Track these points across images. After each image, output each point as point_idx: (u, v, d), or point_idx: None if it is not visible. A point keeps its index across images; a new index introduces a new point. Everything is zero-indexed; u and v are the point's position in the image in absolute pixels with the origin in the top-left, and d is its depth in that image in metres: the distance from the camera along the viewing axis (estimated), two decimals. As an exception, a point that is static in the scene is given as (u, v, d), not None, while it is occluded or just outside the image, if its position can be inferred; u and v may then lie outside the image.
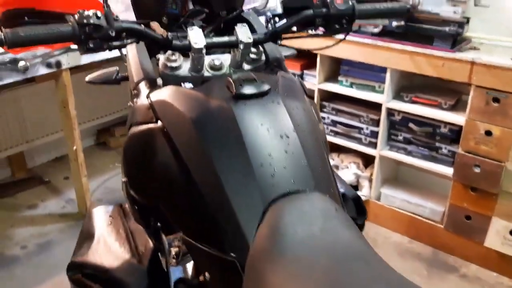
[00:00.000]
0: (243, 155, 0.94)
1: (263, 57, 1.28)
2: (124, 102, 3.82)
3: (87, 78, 1.40)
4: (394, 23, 2.45)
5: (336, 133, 2.96)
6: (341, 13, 1.19)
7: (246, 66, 1.26)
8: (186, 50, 1.14)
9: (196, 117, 1.00)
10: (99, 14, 1.00)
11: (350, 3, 1.20)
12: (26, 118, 3.16)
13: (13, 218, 2.96)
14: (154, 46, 1.15)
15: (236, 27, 1.18)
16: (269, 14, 1.27)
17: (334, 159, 3.05)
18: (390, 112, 2.70)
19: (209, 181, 0.95)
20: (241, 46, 1.17)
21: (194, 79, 1.20)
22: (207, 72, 1.21)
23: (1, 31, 0.93)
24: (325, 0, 1.20)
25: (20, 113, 3.11)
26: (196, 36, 1.13)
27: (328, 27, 1.23)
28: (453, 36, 2.35)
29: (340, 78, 2.87)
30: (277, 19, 1.28)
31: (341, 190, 1.23)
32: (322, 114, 2.95)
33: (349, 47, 2.67)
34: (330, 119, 2.95)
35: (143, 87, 1.19)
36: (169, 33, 1.13)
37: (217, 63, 1.22)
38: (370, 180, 2.92)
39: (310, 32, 1.26)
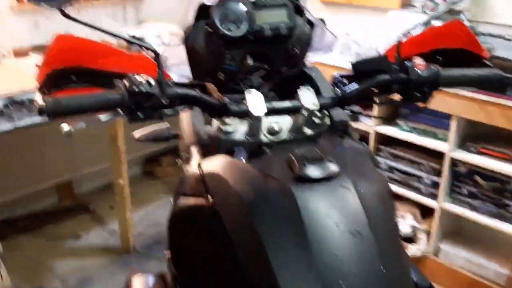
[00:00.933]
0: (304, 253, 0.80)
1: (327, 121, 1.15)
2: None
3: (136, 136, 1.32)
4: (464, 69, 2.26)
5: (393, 180, 2.77)
6: (423, 80, 1.05)
7: (307, 130, 1.13)
8: (243, 116, 1.03)
9: (251, 199, 0.88)
10: (151, 81, 0.91)
11: (434, 68, 1.05)
12: (74, 147, 3.15)
13: (55, 248, 2.93)
14: (210, 111, 1.04)
15: (299, 91, 1.06)
16: (336, 75, 1.14)
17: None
18: (454, 162, 2.49)
19: (262, 275, 0.82)
20: (305, 113, 1.04)
21: (249, 144, 1.08)
22: (264, 137, 1.09)
23: (42, 99, 0.85)
24: (404, 64, 1.06)
25: (70, 141, 3.11)
26: (255, 102, 1.01)
27: (405, 94, 1.08)
28: (531, 85, 2.14)
29: (399, 121, 2.69)
30: (341, 78, 1.15)
31: (414, 279, 1.08)
32: (377, 159, 2.78)
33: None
34: (386, 164, 2.77)
35: (195, 152, 1.08)
36: (226, 98, 1.02)
37: (275, 127, 1.10)
38: (428, 234, 2.70)
39: (383, 98, 1.12)
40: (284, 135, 1.11)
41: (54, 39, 0.99)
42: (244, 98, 1.05)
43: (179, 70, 1.28)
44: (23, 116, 2.21)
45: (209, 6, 1.20)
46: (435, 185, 2.58)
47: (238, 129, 1.07)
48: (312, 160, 0.89)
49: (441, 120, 2.50)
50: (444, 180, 2.53)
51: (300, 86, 1.07)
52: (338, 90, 1.08)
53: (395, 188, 2.75)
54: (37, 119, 2.24)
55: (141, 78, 0.91)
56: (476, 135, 2.53)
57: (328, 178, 0.88)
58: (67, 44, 1.00)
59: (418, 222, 2.77)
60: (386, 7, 2.78)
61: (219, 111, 1.02)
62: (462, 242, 2.73)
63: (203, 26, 1.21)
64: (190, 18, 1.24)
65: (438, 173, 2.55)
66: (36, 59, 2.67)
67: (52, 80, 0.98)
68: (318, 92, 1.29)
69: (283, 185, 0.87)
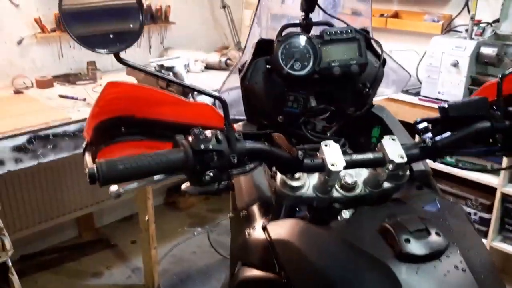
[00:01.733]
0: None
1: (407, 172, 0.99)
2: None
3: (183, 187, 1.16)
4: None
5: (437, 216, 2.58)
6: None
7: (385, 184, 0.97)
8: (319, 171, 0.88)
9: (338, 278, 0.72)
10: (220, 135, 0.76)
11: None
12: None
13: (76, 286, 2.77)
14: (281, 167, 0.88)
15: (383, 141, 0.90)
16: (419, 119, 0.99)
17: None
18: (506, 198, 2.31)
19: None
20: (390, 167, 0.88)
21: (319, 200, 0.92)
22: (335, 192, 0.94)
23: (93, 161, 0.70)
24: (508, 110, 0.90)
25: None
26: (333, 156, 0.86)
27: (509, 145, 0.92)
28: None
29: (443, 153, 2.52)
30: (426, 124, 0.99)
31: None
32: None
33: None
34: (429, 198, 2.59)
35: (257, 211, 0.93)
36: (299, 151, 0.86)
37: (349, 180, 0.94)
38: (476, 273, 2.49)
39: (482, 149, 0.96)
40: (359, 189, 0.95)
41: (104, 87, 0.85)
42: (316, 149, 0.90)
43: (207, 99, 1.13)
44: (47, 152, 2.08)
45: (270, 42, 1.06)
46: (485, 222, 2.39)
47: (307, 183, 0.92)
48: (415, 232, 0.74)
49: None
50: (495, 217, 2.34)
51: (384, 136, 0.92)
52: (428, 140, 0.92)
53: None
54: (62, 155, 2.11)
55: (207, 132, 0.76)
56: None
57: (435, 254, 0.73)
58: (118, 92, 0.86)
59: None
60: (427, 32, 2.63)
61: (292, 167, 0.87)
62: (513, 283, 2.52)
63: (262, 64, 1.07)
64: (247, 54, 1.10)
65: (489, 209, 2.36)
66: (60, 89, 2.56)
67: (101, 133, 0.84)
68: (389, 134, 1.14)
69: (382, 264, 0.71)
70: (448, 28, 2.54)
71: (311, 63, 1.05)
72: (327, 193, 0.92)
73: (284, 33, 1.09)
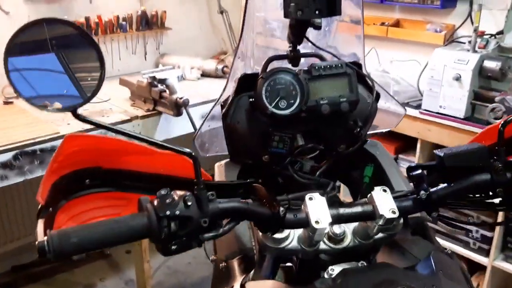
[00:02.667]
0: None
1: (401, 220, 0.92)
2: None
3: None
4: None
5: (437, 232, 2.51)
6: None
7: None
8: (303, 227, 0.81)
9: None
10: (189, 199, 0.69)
11: None
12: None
13: (68, 300, 2.73)
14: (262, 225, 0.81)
15: (373, 193, 0.83)
16: (413, 165, 0.91)
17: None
18: (509, 215, 2.23)
19: None
20: (381, 222, 0.81)
21: (305, 253, 0.86)
22: (322, 244, 0.87)
23: (44, 232, 0.64)
24: (508, 161, 0.83)
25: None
26: (318, 211, 0.79)
27: (510, 200, 0.84)
28: None
29: (444, 168, 2.44)
30: (421, 170, 0.91)
31: None
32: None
33: (458, 135, 2.25)
34: (429, 214, 2.51)
35: (237, 267, 0.86)
36: (281, 207, 0.79)
37: (337, 231, 0.87)
38: (477, 292, 2.43)
39: (481, 203, 0.88)
40: (348, 240, 0.88)
41: (62, 142, 0.78)
42: (302, 198, 0.84)
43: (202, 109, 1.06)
44: (34, 168, 2.02)
45: (254, 76, 0.99)
46: (487, 240, 2.32)
47: (291, 234, 0.85)
48: None
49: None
50: (497, 235, 2.26)
51: (374, 187, 0.84)
52: (423, 192, 0.84)
53: (440, 241, 2.49)
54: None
55: (175, 194, 0.69)
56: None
57: None
58: (80, 145, 0.79)
59: (465, 278, 2.50)
60: (429, 43, 2.54)
61: (273, 225, 0.80)
62: (515, 302, 2.46)
63: (246, 101, 1.00)
64: (229, 90, 1.03)
65: (491, 227, 2.29)
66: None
67: (60, 189, 0.77)
68: (382, 174, 1.07)
69: None
70: (450, 39, 2.45)
71: (297, 101, 0.97)
72: (313, 246, 0.85)
73: (270, 67, 1.01)
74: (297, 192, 0.96)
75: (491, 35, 2.26)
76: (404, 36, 2.67)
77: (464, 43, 2.36)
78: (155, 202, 0.68)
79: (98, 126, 0.71)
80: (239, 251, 0.90)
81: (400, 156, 2.60)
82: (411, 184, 0.91)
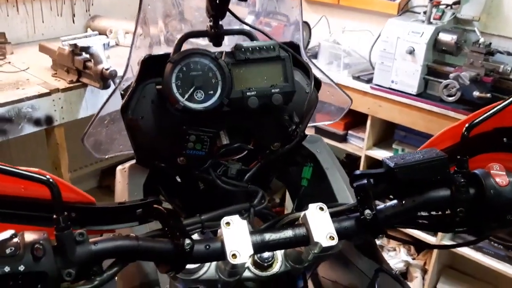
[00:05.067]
0: None
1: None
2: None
3: None
4: (476, 93, 1.89)
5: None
6: (506, 202, 0.65)
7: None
8: (218, 260, 0.64)
9: None
10: (40, 247, 0.49)
11: None
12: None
13: None
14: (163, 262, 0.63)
15: (307, 213, 0.66)
16: (358, 172, 0.73)
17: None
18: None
19: None
20: (317, 250, 0.65)
21: (225, 284, 0.69)
22: (247, 271, 0.71)
23: None
24: (475, 174, 0.67)
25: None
26: (236, 240, 0.61)
27: (474, 220, 0.68)
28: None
29: (394, 145, 2.33)
30: (366, 179, 0.74)
31: None
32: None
33: (409, 112, 2.13)
34: (378, 193, 2.41)
35: None
36: (186, 240, 0.60)
37: (265, 255, 0.71)
38: (424, 271, 2.38)
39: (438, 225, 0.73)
40: (278, 265, 0.72)
41: None
42: (219, 218, 0.66)
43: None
44: None
45: (164, 58, 0.77)
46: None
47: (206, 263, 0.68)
48: None
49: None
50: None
51: (308, 205, 0.67)
52: (368, 213, 0.68)
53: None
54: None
55: (19, 241, 0.49)
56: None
57: None
58: None
59: (412, 257, 2.45)
60: (382, 12, 2.37)
61: (176, 263, 0.61)
62: (461, 279, 2.42)
63: (152, 90, 0.79)
64: (129, 75, 0.81)
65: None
66: None
67: None
68: (322, 177, 0.90)
69: None
70: (405, 9, 2.29)
71: (218, 92, 0.77)
72: (235, 276, 0.68)
73: (185, 47, 0.80)
74: (221, 203, 0.79)
75: (447, 5, 2.11)
76: (357, 4, 2.48)
77: (419, 13, 2.20)
78: None
79: None
80: (140, 285, 0.71)
81: (350, 132, 2.47)
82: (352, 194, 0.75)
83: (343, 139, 2.48)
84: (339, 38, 2.45)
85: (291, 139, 0.87)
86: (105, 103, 0.84)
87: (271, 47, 0.80)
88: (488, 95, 1.87)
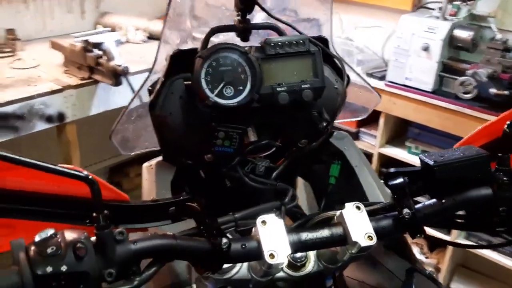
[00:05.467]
0: None
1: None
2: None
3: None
4: (493, 90, 1.87)
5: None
6: None
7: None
8: (255, 260, 0.62)
9: None
10: (82, 247, 0.47)
11: None
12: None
13: None
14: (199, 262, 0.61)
15: (344, 212, 0.65)
16: (393, 170, 0.72)
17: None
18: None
19: None
20: (354, 250, 0.63)
21: (257, 284, 0.68)
22: (281, 272, 0.69)
23: None
24: None
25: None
26: (273, 240, 0.60)
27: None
28: None
29: (408, 143, 2.31)
30: (402, 178, 0.72)
31: None
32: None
33: (424, 109, 2.10)
34: (391, 191, 2.39)
35: None
36: (223, 239, 0.59)
37: (298, 255, 0.69)
38: (437, 269, 2.36)
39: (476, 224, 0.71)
40: (311, 265, 0.70)
41: None
42: (252, 216, 0.65)
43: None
44: None
45: (191, 55, 0.75)
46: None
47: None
48: None
49: (455, 142, 2.13)
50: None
51: (345, 204, 0.65)
52: (406, 212, 0.66)
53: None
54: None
55: (60, 240, 0.47)
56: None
57: None
58: None
59: (425, 255, 2.43)
60: (395, 8, 2.35)
61: (213, 262, 0.60)
62: (475, 279, 2.40)
63: (180, 86, 0.77)
64: (158, 70, 0.80)
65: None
66: None
67: None
68: (351, 175, 0.88)
69: None
70: (419, 5, 2.26)
71: (248, 88, 0.76)
72: (268, 276, 0.66)
73: (212, 43, 0.78)
74: (249, 201, 0.77)
75: (463, 1, 2.08)
76: (370, 0, 2.45)
77: (433, 9, 2.18)
78: (32, 252, 0.46)
79: None
80: (171, 286, 0.70)
81: (362, 129, 2.45)
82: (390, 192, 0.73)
83: (355, 136, 2.45)
84: (352, 35, 2.43)
85: (318, 136, 0.86)
86: (132, 99, 0.82)
87: (301, 41, 0.78)
88: (506, 92, 1.84)
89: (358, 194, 0.85)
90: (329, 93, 0.82)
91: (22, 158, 0.49)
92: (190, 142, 0.78)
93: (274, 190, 0.83)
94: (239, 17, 0.80)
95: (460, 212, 0.70)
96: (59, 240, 0.47)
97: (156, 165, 0.82)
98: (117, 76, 2.00)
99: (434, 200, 0.67)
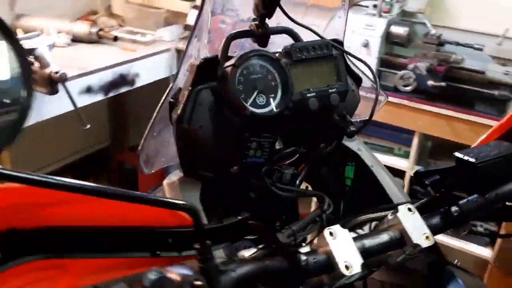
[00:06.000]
0: None
1: None
2: (72, 146, 3.10)
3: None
4: (431, 82, 2.00)
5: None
6: None
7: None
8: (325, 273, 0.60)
9: None
10: (197, 282, 0.43)
11: None
12: None
13: None
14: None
15: (399, 214, 0.65)
16: (421, 170, 0.74)
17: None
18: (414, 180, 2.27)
19: None
20: (414, 252, 0.64)
21: None
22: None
23: None
24: None
25: None
26: (345, 251, 0.59)
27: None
28: (503, 101, 1.96)
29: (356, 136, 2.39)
30: (432, 175, 0.74)
31: None
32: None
33: (366, 104, 2.18)
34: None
35: None
36: (302, 256, 0.57)
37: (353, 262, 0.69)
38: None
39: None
40: (358, 271, 0.70)
41: None
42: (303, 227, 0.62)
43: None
44: None
45: (213, 63, 0.71)
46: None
47: None
48: None
49: (398, 134, 2.26)
50: (402, 200, 2.30)
51: (398, 207, 0.66)
52: (455, 209, 0.68)
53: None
54: None
55: (172, 278, 0.42)
56: (438, 150, 2.33)
57: None
58: (8, 201, 0.47)
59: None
60: (326, 6, 2.41)
61: (295, 278, 0.57)
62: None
63: (207, 96, 0.72)
64: (182, 79, 0.74)
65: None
66: None
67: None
68: (368, 176, 0.89)
69: None
70: (352, 3, 2.35)
71: (279, 95, 0.73)
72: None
73: (236, 49, 0.74)
74: (271, 210, 0.75)
75: (394, -2, 2.20)
76: (303, -2, 2.50)
77: (367, 6, 2.27)
78: (146, 283, 0.41)
79: (26, 182, 0.40)
80: None
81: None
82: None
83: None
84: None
85: (334, 139, 0.86)
86: (157, 114, 0.75)
87: (324, 45, 0.77)
88: (443, 83, 1.98)
89: (377, 194, 0.87)
90: (348, 96, 0.82)
91: (112, 189, 0.42)
92: (218, 154, 0.74)
93: (295, 198, 0.82)
94: (256, 22, 0.77)
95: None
96: (170, 278, 0.42)
97: (179, 182, 0.76)
98: (53, 84, 1.84)
99: (475, 195, 0.69)
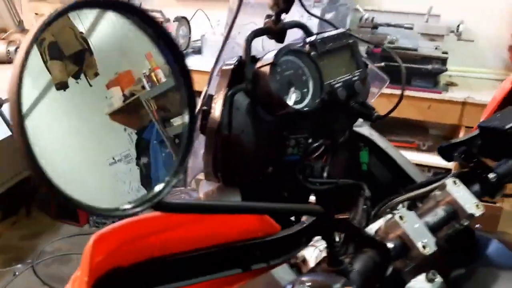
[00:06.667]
0: None
1: None
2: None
3: None
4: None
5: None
6: None
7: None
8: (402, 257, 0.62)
9: None
10: None
11: None
12: None
13: None
14: None
15: (448, 187, 0.68)
16: (444, 144, 0.77)
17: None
18: None
19: None
20: (468, 222, 0.67)
21: None
22: None
23: None
24: None
25: None
26: (419, 232, 0.61)
27: None
28: (436, 74, 2.11)
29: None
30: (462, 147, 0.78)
31: None
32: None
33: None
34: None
35: None
36: (388, 245, 0.57)
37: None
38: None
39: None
40: None
41: (90, 245, 0.39)
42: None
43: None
44: None
45: (239, 65, 0.69)
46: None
47: None
48: None
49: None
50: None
51: (445, 181, 0.68)
52: (493, 175, 0.72)
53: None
54: None
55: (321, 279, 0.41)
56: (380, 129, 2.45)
57: None
58: (116, 243, 0.42)
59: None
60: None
61: (384, 270, 0.58)
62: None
63: (241, 100, 0.69)
64: (213, 85, 0.71)
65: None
66: None
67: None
68: (384, 159, 0.92)
69: None
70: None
71: (311, 89, 0.73)
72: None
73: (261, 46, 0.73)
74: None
75: (323, -13, 2.27)
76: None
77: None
78: None
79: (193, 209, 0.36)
80: None
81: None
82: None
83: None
84: (223, 30, 2.44)
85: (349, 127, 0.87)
86: (194, 126, 0.70)
87: (342, 35, 0.78)
88: (382, 64, 2.08)
89: (395, 174, 0.89)
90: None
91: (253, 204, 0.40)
92: (258, 157, 0.72)
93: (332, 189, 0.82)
94: (273, 18, 0.76)
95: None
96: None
97: (218, 191, 0.73)
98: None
99: (505, 159, 0.74)
